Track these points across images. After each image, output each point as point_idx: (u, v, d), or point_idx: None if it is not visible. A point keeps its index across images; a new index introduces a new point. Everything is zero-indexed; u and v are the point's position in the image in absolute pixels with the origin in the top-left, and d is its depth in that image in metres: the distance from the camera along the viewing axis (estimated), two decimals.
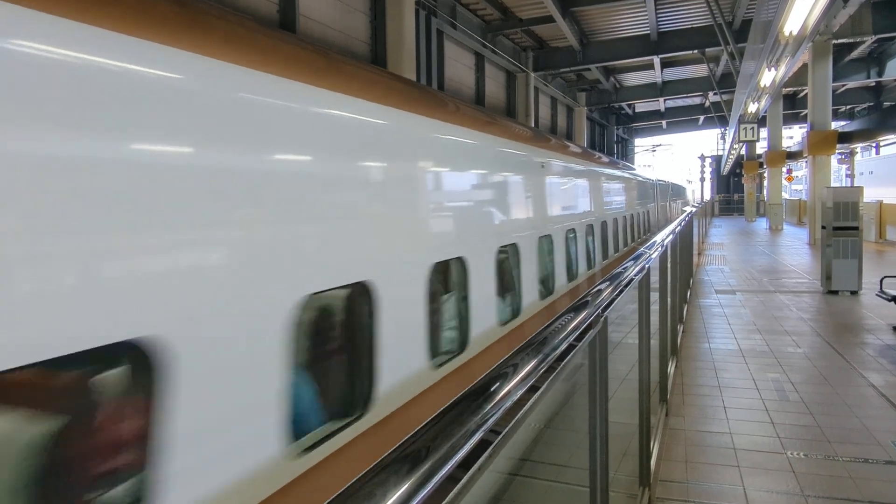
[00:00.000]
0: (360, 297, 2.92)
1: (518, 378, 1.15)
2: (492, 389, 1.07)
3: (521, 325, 5.03)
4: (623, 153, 42.93)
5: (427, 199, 3.66)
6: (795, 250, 17.07)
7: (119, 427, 1.76)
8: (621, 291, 2.23)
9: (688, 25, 19.54)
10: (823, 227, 9.96)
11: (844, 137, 21.27)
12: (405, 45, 11.66)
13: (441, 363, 3.77)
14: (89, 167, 1.61)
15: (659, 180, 21.83)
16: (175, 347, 1.77)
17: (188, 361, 1.82)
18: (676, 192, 32.10)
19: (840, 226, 9.63)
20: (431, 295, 3.60)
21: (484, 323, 4.32)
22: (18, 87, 1.48)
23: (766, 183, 33.07)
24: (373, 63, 11.88)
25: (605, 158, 11.40)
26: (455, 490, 0.81)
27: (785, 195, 35.43)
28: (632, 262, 2.93)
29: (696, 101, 36.34)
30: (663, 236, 4.73)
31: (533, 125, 21.18)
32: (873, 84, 28.71)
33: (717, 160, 54.65)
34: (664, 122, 43.31)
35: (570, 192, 7.53)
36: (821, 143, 17.26)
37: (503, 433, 1.01)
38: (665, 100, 32.95)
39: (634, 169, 16.35)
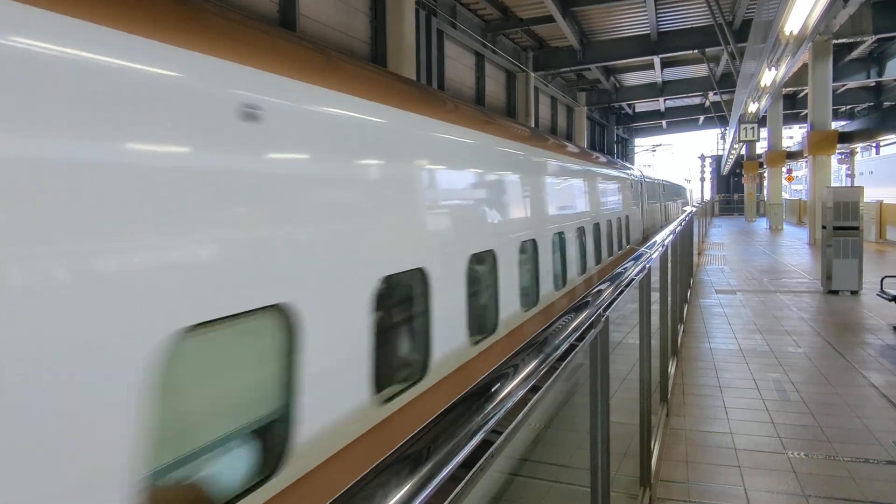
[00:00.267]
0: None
1: (519, 378, 1.15)
2: (493, 390, 1.07)
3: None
4: (623, 153, 42.93)
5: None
6: (796, 250, 17.06)
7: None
8: (622, 291, 2.22)
9: (688, 25, 19.54)
10: (824, 227, 9.95)
11: (844, 137, 21.26)
12: (405, 44, 11.65)
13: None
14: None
15: (646, 177, 17.23)
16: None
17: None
18: (673, 191, 28.54)
19: (840, 226, 9.62)
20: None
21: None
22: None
23: (766, 183, 33.07)
24: (373, 63, 11.88)
25: (553, 141, 7.51)
26: (456, 490, 0.81)
27: (785, 195, 35.44)
28: (632, 262, 2.93)
29: (696, 101, 36.32)
30: (663, 236, 4.73)
31: (533, 125, 21.17)
32: (873, 84, 28.71)
33: (717, 160, 54.64)
34: (664, 122, 43.30)
35: (482, 190, 4.68)
36: (821, 142, 17.25)
37: (505, 433, 1.01)
38: (665, 100, 32.94)
39: (609, 161, 11.85)
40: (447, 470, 0.80)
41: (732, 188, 51.86)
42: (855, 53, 22.90)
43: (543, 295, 6.05)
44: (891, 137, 25.67)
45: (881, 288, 7.05)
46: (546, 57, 21.10)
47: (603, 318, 1.81)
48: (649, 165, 56.16)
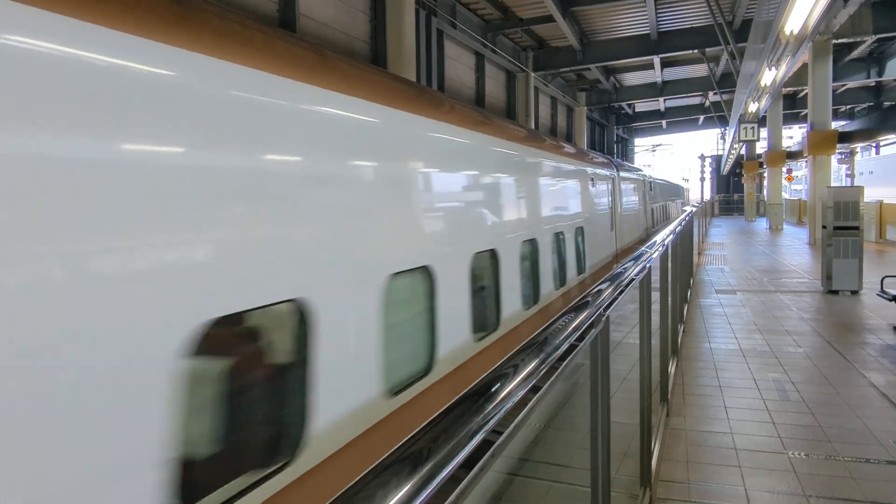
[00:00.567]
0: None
1: (519, 378, 1.15)
2: (493, 390, 1.06)
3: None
4: (623, 153, 42.94)
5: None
6: (796, 250, 17.06)
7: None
8: (622, 291, 2.22)
9: (688, 25, 19.54)
10: (824, 227, 9.95)
11: (844, 137, 21.28)
12: (405, 44, 11.65)
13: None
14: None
15: (627, 171, 13.44)
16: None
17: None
18: (669, 192, 25.21)
19: (840, 225, 9.62)
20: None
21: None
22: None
23: (766, 183, 33.07)
24: (373, 63, 11.88)
25: (484, 117, 5.15)
26: (457, 491, 0.80)
27: (785, 195, 35.44)
28: (632, 261, 2.93)
29: (696, 100, 36.33)
30: (663, 236, 4.73)
31: (533, 125, 21.17)
32: (873, 84, 28.71)
33: (717, 160, 54.65)
34: (664, 122, 43.30)
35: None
36: (821, 142, 17.25)
37: (505, 433, 1.00)
38: (665, 100, 32.94)
39: (579, 152, 9.13)
40: (447, 470, 0.80)
41: (732, 188, 51.87)
42: (855, 53, 22.90)
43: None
44: (891, 137, 25.69)
45: (881, 288, 7.04)
46: (546, 57, 21.10)
47: (603, 318, 1.81)
48: (649, 165, 56.17)
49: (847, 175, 33.67)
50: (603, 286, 2.11)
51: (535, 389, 1.18)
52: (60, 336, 1.55)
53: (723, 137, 48.15)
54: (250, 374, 2.44)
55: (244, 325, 2.32)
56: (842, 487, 3.38)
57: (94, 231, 1.65)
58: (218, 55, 2.11)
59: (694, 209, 14.32)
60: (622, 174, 12.29)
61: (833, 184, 18.75)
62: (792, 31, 9.65)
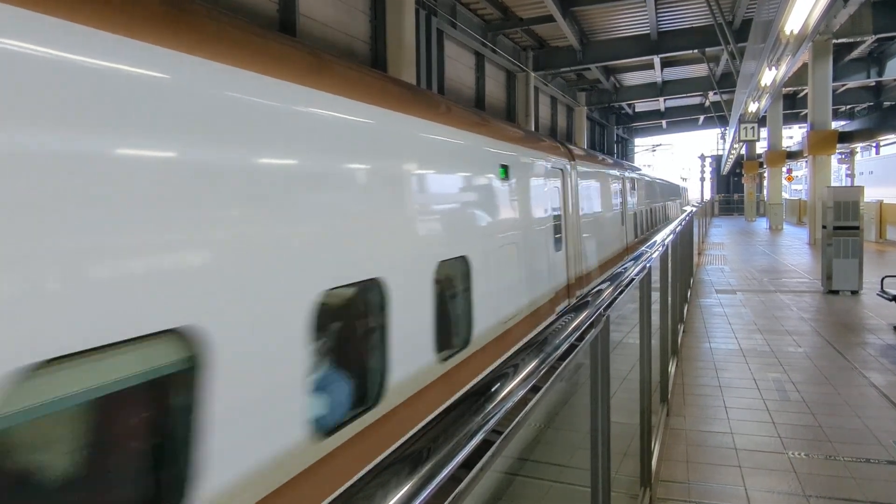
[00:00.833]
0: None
1: (520, 378, 1.15)
2: (493, 389, 1.06)
3: None
4: (623, 153, 42.94)
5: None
6: (796, 250, 17.06)
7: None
8: (622, 291, 2.22)
9: (688, 25, 19.53)
10: (824, 227, 9.95)
11: (844, 137, 21.27)
12: (405, 44, 11.65)
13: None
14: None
15: (587, 160, 9.56)
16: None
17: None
18: (662, 192, 21.05)
19: (840, 225, 9.62)
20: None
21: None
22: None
23: (766, 183, 33.07)
24: (373, 63, 11.88)
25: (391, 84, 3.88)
26: (457, 491, 0.80)
27: (785, 195, 35.42)
28: (632, 261, 2.92)
29: (696, 100, 36.31)
30: (663, 236, 4.72)
31: (533, 125, 21.18)
32: (873, 84, 28.69)
33: (717, 160, 54.63)
34: (664, 122, 43.28)
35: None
36: (821, 142, 17.25)
37: (505, 433, 1.00)
38: (665, 99, 32.92)
39: (493, 126, 5.56)
40: (447, 470, 0.80)
41: (732, 188, 51.85)
42: (855, 53, 22.89)
43: None
44: (891, 137, 25.68)
45: (881, 288, 7.04)
46: (546, 57, 21.09)
47: (603, 318, 1.81)
48: (649, 165, 56.16)
49: (847, 175, 33.67)
50: (603, 286, 2.11)
51: (535, 389, 1.18)
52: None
53: (723, 137, 48.13)
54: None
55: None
56: (842, 487, 3.37)
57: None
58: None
59: (694, 209, 14.30)
60: (583, 167, 8.73)
61: (833, 184, 18.75)
62: (792, 31, 9.64)
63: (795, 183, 55.14)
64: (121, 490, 1.91)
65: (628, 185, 13.04)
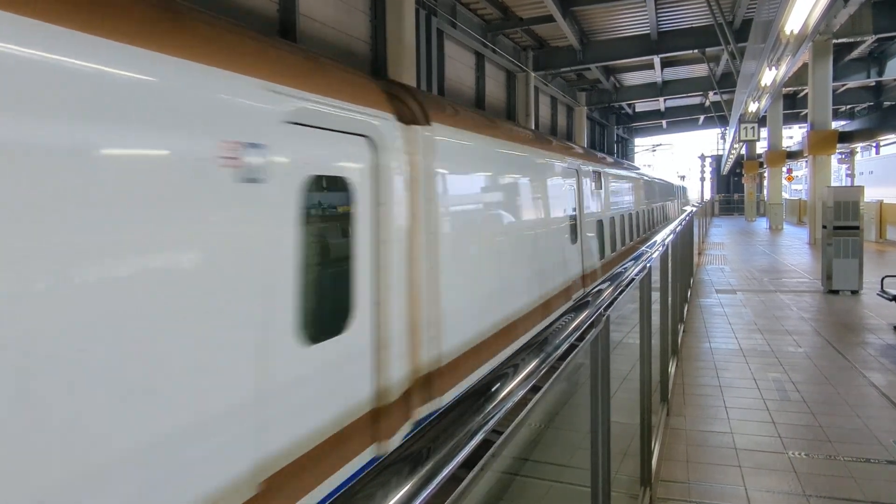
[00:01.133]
0: None
1: (520, 378, 1.14)
2: (493, 389, 1.06)
3: None
4: (623, 153, 42.94)
5: None
6: (796, 250, 17.06)
7: None
8: (622, 291, 2.22)
9: (688, 25, 19.52)
10: (824, 227, 9.95)
11: (845, 137, 21.26)
12: (405, 44, 11.65)
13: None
14: None
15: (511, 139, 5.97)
16: None
17: None
18: (652, 192, 17.26)
19: (841, 225, 9.62)
20: None
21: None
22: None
23: (766, 183, 33.06)
24: (373, 63, 11.89)
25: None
26: (457, 490, 0.80)
27: (785, 195, 35.43)
28: (632, 261, 2.92)
29: (696, 100, 36.30)
30: (664, 236, 4.72)
31: (533, 125, 21.17)
32: (873, 84, 28.69)
33: (717, 160, 54.63)
34: (664, 122, 43.28)
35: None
36: (821, 142, 17.24)
37: (505, 433, 1.00)
38: (665, 99, 32.91)
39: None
40: (448, 470, 0.80)
41: (732, 188, 51.84)
42: (855, 53, 22.89)
43: None
44: (891, 137, 25.66)
45: (881, 287, 7.04)
46: (546, 57, 21.09)
47: (604, 318, 1.81)
48: (649, 165, 56.15)
49: (847, 175, 33.66)
50: (603, 286, 2.11)
51: (535, 389, 1.18)
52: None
53: (723, 137, 48.13)
54: None
55: None
56: (842, 487, 3.37)
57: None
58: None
59: (694, 209, 14.30)
60: (506, 148, 5.60)
61: (833, 184, 18.74)
62: (792, 31, 9.64)
63: (795, 183, 55.14)
64: None
65: (588, 182, 8.70)
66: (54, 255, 1.78)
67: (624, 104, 34.37)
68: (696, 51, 20.30)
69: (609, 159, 11.84)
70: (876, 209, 19.65)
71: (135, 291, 1.97)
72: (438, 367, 3.91)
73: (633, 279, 2.53)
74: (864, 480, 3.44)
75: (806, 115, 19.28)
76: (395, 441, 3.20)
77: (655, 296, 3.76)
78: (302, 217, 2.77)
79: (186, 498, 2.08)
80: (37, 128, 1.73)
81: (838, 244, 9.57)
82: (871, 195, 17.79)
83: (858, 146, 31.09)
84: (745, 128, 21.73)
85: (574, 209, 8.05)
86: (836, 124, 22.13)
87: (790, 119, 34.34)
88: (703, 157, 56.53)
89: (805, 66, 18.19)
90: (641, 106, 37.66)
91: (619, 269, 2.59)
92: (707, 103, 36.11)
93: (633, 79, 28.25)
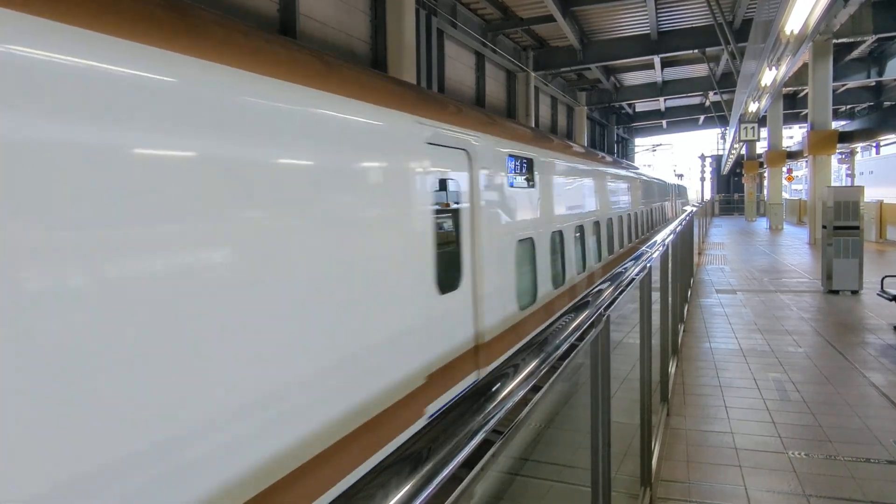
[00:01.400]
0: None
1: (520, 378, 1.14)
2: (493, 389, 1.06)
3: None
4: (623, 153, 42.95)
5: None
6: (796, 250, 17.06)
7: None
8: (622, 291, 2.22)
9: (688, 25, 19.53)
10: (824, 227, 9.94)
11: (845, 137, 21.26)
12: (405, 44, 11.65)
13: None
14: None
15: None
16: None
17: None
18: (642, 190, 14.60)
19: (841, 225, 9.62)
20: None
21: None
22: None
23: (766, 183, 33.05)
24: (373, 63, 11.89)
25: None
26: (458, 491, 0.80)
27: (785, 195, 35.43)
28: (632, 261, 2.92)
29: (696, 100, 36.32)
30: (664, 236, 4.72)
31: (533, 125, 21.17)
32: (873, 84, 28.70)
33: (718, 160, 54.63)
34: (664, 122, 43.29)
35: None
36: (821, 142, 17.25)
37: (506, 433, 1.00)
38: (665, 99, 32.93)
39: None
40: (448, 470, 0.80)
41: (732, 188, 51.85)
42: (855, 53, 22.89)
43: None
44: (891, 137, 25.67)
45: (881, 287, 7.04)
46: (546, 57, 21.09)
47: (604, 318, 1.81)
48: (649, 165, 56.15)
49: (847, 175, 33.67)
50: (603, 286, 2.11)
51: (535, 389, 1.18)
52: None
53: (723, 137, 48.14)
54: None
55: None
56: (842, 487, 3.37)
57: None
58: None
59: (694, 209, 14.30)
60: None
61: (833, 184, 18.75)
62: (792, 31, 9.64)
63: (795, 183, 55.14)
64: None
65: (540, 177, 6.53)
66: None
67: (624, 104, 34.39)
68: (696, 51, 20.31)
69: (575, 146, 8.98)
70: (876, 209, 19.65)
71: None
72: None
73: (633, 279, 2.53)
74: (864, 480, 3.44)
75: (806, 115, 19.28)
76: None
77: (655, 296, 3.76)
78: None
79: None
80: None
81: (838, 244, 9.56)
82: (871, 195, 17.78)
83: (858, 146, 31.10)
84: (745, 128, 21.74)
85: (536, 216, 6.27)
86: (836, 124, 22.15)
87: (790, 119, 34.34)
88: (703, 157, 56.55)
89: (805, 66, 18.20)
90: (641, 106, 37.67)
91: (619, 270, 2.59)
92: (707, 103, 36.12)
93: (633, 79, 28.25)
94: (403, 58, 11.56)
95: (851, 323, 7.58)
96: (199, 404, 2.09)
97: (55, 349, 1.67)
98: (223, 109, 2.24)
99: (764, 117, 25.70)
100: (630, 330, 3.42)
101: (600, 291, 2.00)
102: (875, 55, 24.03)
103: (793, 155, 27.43)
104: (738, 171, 45.13)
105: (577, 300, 1.83)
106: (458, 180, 4.44)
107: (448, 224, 4.41)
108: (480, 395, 1.03)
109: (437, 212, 4.05)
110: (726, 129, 38.02)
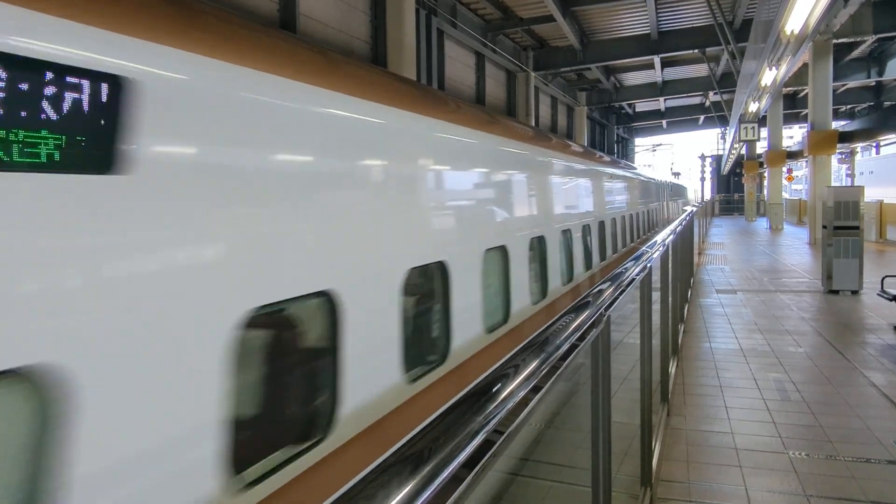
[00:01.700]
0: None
1: (521, 378, 1.14)
2: (494, 390, 1.06)
3: None
4: (623, 153, 42.94)
5: None
6: (796, 250, 17.06)
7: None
8: (623, 291, 2.22)
9: (688, 25, 19.53)
10: (824, 227, 9.94)
11: (845, 137, 21.25)
12: (405, 44, 11.64)
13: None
14: None
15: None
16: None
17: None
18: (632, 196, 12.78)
19: (841, 225, 9.61)
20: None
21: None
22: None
23: (766, 183, 33.06)
24: (373, 63, 11.88)
25: None
26: (458, 491, 0.80)
27: (785, 195, 35.42)
28: (633, 261, 2.92)
29: (697, 100, 36.32)
30: (664, 236, 4.72)
31: (533, 124, 21.17)
32: (873, 84, 28.71)
33: (718, 160, 54.63)
34: (664, 122, 43.30)
35: None
36: (821, 142, 17.24)
37: (506, 433, 1.00)
38: (665, 99, 32.93)
39: None
40: (449, 470, 0.80)
41: (732, 188, 51.85)
42: (855, 53, 22.90)
43: None
44: (891, 137, 25.67)
45: (881, 287, 7.04)
46: (546, 56, 21.09)
47: (604, 318, 1.81)
48: (649, 165, 56.14)
49: (847, 175, 33.68)
50: (604, 286, 2.10)
51: (536, 389, 1.18)
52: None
53: (723, 137, 48.13)
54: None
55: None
56: (842, 487, 3.37)
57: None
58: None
59: (694, 209, 14.29)
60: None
61: (833, 184, 18.74)
62: (792, 31, 9.64)
63: (795, 183, 55.13)
64: None
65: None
66: None
67: (624, 104, 34.38)
68: (696, 51, 20.30)
69: (521, 128, 6.11)
70: (876, 209, 19.65)
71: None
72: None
73: (633, 279, 2.53)
74: (864, 480, 3.43)
75: (806, 115, 19.28)
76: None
77: (656, 296, 3.76)
78: None
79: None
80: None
81: (838, 244, 9.56)
82: (871, 195, 17.77)
83: (858, 146, 31.10)
84: (745, 128, 21.73)
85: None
86: (837, 124, 22.14)
87: (790, 119, 34.35)
88: (703, 157, 56.55)
89: (805, 66, 18.19)
90: (641, 106, 37.66)
91: (619, 270, 2.58)
92: (707, 103, 36.12)
93: (633, 79, 28.25)
94: (403, 58, 11.55)
95: (852, 323, 7.57)
96: None
97: None
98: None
99: (764, 117, 25.70)
100: (630, 330, 3.42)
101: (601, 291, 2.00)
102: (875, 55, 24.02)
103: (793, 155, 27.43)
104: (738, 171, 45.13)
105: (577, 300, 1.83)
106: None
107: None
108: (481, 395, 1.03)
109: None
110: (726, 129, 38.02)
